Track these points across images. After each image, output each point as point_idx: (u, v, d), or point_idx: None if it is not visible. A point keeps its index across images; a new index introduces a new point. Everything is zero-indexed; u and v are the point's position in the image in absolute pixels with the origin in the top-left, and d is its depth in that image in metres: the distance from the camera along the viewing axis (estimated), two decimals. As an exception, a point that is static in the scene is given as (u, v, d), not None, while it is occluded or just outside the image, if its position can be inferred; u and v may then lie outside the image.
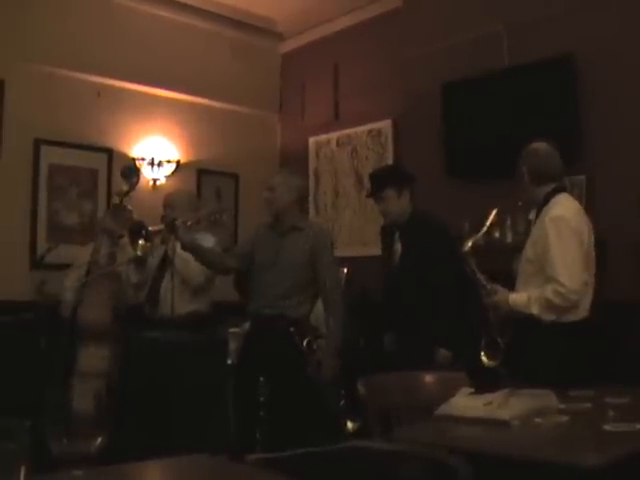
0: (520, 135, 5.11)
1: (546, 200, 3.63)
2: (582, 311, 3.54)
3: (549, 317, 3.44)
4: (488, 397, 2.55)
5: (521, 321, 3.47)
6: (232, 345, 5.21)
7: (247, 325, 4.60)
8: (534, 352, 3.40)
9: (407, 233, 4.33)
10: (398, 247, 4.33)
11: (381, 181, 4.42)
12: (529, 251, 3.62)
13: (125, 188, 4.79)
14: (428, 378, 3.12)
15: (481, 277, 3.53)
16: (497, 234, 5.17)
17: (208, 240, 4.73)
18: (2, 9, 6.08)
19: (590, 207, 4.31)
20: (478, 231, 3.57)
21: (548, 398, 2.59)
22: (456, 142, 5.74)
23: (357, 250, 6.72)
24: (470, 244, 3.50)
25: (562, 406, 2.56)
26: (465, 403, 2.59)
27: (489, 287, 3.52)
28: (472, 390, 2.70)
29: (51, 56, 6.31)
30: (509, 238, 5.21)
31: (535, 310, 3.44)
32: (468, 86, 5.68)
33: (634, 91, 4.87)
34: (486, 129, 5.46)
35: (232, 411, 4.62)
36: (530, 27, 5.35)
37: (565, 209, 3.60)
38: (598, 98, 4.99)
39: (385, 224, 4.58)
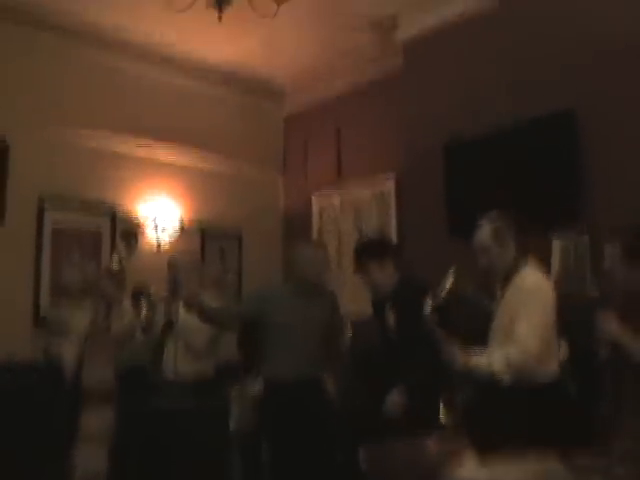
0: (522, 194, 5.21)
1: (516, 270, 3.64)
2: (550, 374, 3.53)
3: (508, 377, 3.39)
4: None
5: (483, 382, 3.47)
6: (235, 409, 5.16)
7: (256, 387, 4.59)
8: (495, 413, 3.39)
9: (396, 302, 4.29)
10: (390, 317, 4.30)
11: (363, 255, 4.44)
12: (501, 320, 3.63)
13: (124, 252, 4.78)
14: (431, 445, 3.06)
15: (440, 335, 3.57)
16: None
17: (212, 302, 4.72)
18: (5, 73, 6.18)
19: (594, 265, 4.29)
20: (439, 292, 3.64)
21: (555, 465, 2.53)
22: (458, 202, 5.74)
23: (361, 310, 6.65)
24: (430, 308, 3.59)
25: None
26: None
27: (447, 345, 3.56)
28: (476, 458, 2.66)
29: (55, 118, 6.40)
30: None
31: (498, 368, 3.40)
32: (469, 147, 5.70)
33: (637, 146, 4.86)
34: (488, 188, 5.45)
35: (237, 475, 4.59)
36: (530, 85, 5.38)
37: (540, 279, 3.63)
38: (599, 154, 4.98)
39: (374, 299, 4.55)
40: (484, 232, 3.75)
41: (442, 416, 3.61)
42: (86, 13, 6.33)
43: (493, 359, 3.45)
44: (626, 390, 3.39)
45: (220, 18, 4.10)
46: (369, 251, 4.44)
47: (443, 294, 3.64)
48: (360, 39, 6.64)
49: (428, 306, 3.61)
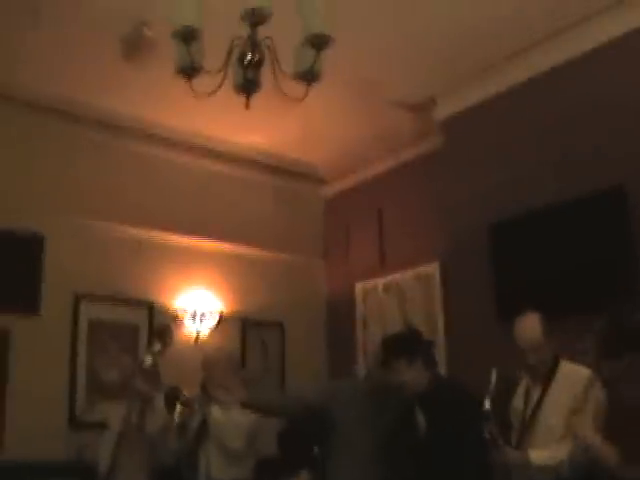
0: (573, 274, 4.94)
1: (557, 363, 3.62)
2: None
3: (572, 473, 3.22)
4: None
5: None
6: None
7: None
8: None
9: (428, 405, 3.97)
10: (421, 420, 3.98)
11: (391, 351, 4.13)
12: (553, 418, 3.50)
13: (157, 348, 4.59)
14: None
15: (499, 439, 3.47)
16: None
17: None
18: (40, 164, 6.19)
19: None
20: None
21: None
22: (506, 284, 5.46)
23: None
24: (487, 405, 3.49)
25: None
26: None
27: (503, 449, 3.46)
28: None
29: (90, 209, 6.34)
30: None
31: (560, 464, 3.26)
32: (516, 225, 5.45)
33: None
34: (537, 269, 5.19)
35: None
36: (577, 161, 5.17)
37: (588, 371, 3.47)
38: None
39: (404, 395, 4.23)
40: (534, 330, 3.67)
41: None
42: (118, 106, 6.36)
43: (559, 454, 3.25)
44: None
45: (247, 105, 3.95)
46: (398, 346, 4.13)
47: (490, 396, 3.52)
48: (398, 119, 6.50)
49: (487, 401, 3.49)
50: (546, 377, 3.62)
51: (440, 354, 6.36)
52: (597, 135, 5.10)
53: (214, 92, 3.95)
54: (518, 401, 3.78)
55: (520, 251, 5.41)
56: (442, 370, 6.34)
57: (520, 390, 3.82)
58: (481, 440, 3.48)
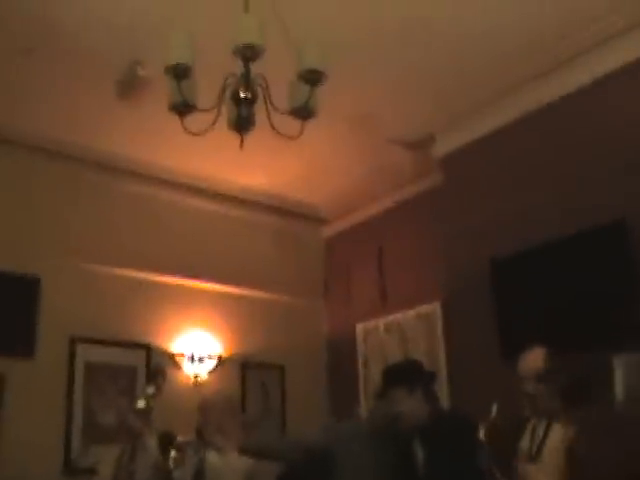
0: (577, 309, 4.85)
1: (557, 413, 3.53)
2: None
3: None
4: None
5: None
6: None
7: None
8: None
9: (427, 438, 3.84)
10: (419, 454, 3.86)
11: (390, 379, 4.03)
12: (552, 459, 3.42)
13: (151, 391, 4.48)
14: None
15: (496, 473, 3.42)
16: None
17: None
18: (36, 206, 6.16)
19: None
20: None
21: None
22: (509, 320, 5.36)
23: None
24: (482, 434, 3.47)
25: None
26: None
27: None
28: None
29: (87, 251, 6.30)
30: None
31: None
32: (517, 261, 5.36)
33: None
34: (541, 305, 5.10)
35: None
36: (577, 195, 5.10)
37: None
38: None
39: (401, 429, 4.10)
40: (537, 360, 3.64)
41: None
42: (115, 148, 6.34)
43: None
44: None
45: (242, 144, 3.91)
46: (397, 375, 4.03)
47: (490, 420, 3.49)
48: (397, 156, 6.47)
49: (482, 430, 3.47)
50: (552, 416, 3.54)
51: (443, 392, 6.26)
52: (598, 169, 5.04)
53: (207, 130, 3.93)
54: (525, 441, 3.67)
55: (522, 286, 5.32)
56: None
57: (527, 431, 3.71)
58: (480, 472, 3.41)
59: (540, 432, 3.54)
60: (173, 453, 4.01)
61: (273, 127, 3.87)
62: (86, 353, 6.19)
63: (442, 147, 6.23)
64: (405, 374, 4.01)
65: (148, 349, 6.51)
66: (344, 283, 7.60)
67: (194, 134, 3.90)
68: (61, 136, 6.10)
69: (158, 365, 6.02)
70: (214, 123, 3.80)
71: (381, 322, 7.17)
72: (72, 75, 5.28)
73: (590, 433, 3.30)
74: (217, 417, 4.46)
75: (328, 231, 8.01)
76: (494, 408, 3.52)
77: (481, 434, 3.43)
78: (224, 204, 7.25)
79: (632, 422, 3.52)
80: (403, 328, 6.91)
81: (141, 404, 4.41)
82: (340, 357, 7.51)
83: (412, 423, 3.86)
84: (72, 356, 6.13)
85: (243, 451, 4.18)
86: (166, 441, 4.00)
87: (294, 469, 4.93)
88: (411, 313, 6.84)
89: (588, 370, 3.64)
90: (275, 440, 4.45)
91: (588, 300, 4.85)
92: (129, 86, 5.34)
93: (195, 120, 3.84)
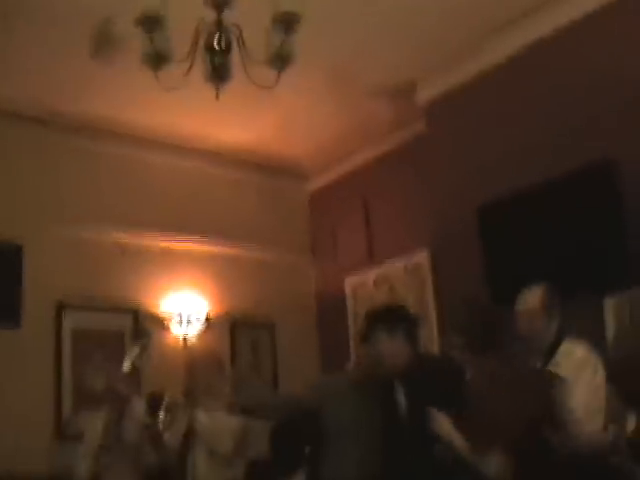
0: (566, 253, 4.79)
1: (559, 342, 3.46)
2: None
3: None
4: None
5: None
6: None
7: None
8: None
9: (409, 382, 3.75)
10: (401, 399, 3.81)
11: (372, 321, 3.93)
12: None
13: (136, 352, 4.42)
14: None
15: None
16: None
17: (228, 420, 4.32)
18: (16, 172, 6.04)
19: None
20: None
21: None
22: (498, 267, 5.32)
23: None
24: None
25: None
26: None
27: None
28: None
29: (69, 215, 6.20)
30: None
31: None
32: (504, 207, 5.30)
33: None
34: (529, 250, 5.04)
35: None
36: (566, 136, 5.00)
37: (587, 351, 3.41)
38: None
39: (379, 374, 3.99)
40: (533, 296, 3.55)
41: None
42: (94, 110, 6.20)
43: None
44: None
45: (217, 95, 3.82)
46: (378, 317, 3.94)
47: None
48: (378, 106, 6.33)
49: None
50: (547, 357, 3.46)
51: (433, 342, 6.25)
52: (584, 110, 4.94)
53: (183, 82, 3.85)
54: None
55: (511, 232, 5.26)
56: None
57: None
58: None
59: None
60: (162, 414, 3.96)
61: (249, 77, 3.79)
62: (73, 320, 6.13)
63: (424, 94, 6.12)
64: (386, 315, 3.93)
65: (136, 313, 6.45)
66: (331, 238, 7.53)
67: (170, 87, 3.83)
68: (38, 100, 5.96)
69: (144, 327, 5.99)
70: (188, 73, 3.73)
71: (370, 276, 7.10)
72: (46, 38, 5.15)
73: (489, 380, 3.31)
74: (205, 377, 4.41)
75: (312, 186, 7.92)
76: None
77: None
78: (206, 162, 7.14)
79: (524, 376, 3.49)
80: (392, 281, 6.86)
81: (127, 365, 4.36)
82: (330, 313, 7.46)
83: (393, 366, 3.79)
84: (59, 323, 6.08)
85: (234, 409, 4.13)
86: (155, 402, 3.95)
87: (287, 425, 4.89)
88: (399, 265, 6.77)
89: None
90: (266, 397, 4.39)
91: (575, 244, 4.80)
92: (103, 45, 5.20)
93: (171, 76, 3.76)
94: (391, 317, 3.88)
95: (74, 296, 6.11)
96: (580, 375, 3.25)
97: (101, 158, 6.52)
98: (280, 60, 3.73)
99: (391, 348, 3.75)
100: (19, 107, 5.99)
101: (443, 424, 3.33)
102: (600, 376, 3.31)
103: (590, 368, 3.31)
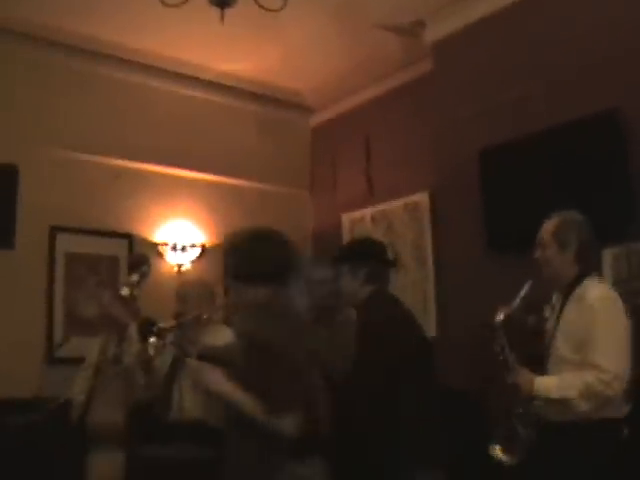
0: (567, 201, 4.72)
1: (578, 280, 3.31)
2: (623, 406, 3.14)
3: (586, 406, 3.05)
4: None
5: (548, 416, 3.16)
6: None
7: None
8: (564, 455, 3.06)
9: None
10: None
11: (337, 256, 3.87)
12: (564, 348, 3.24)
13: (135, 278, 4.37)
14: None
15: (509, 355, 3.27)
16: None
17: (226, 334, 4.25)
18: (14, 93, 5.90)
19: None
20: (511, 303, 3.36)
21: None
22: (497, 212, 5.27)
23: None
24: (502, 316, 3.32)
25: None
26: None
27: (513, 367, 3.25)
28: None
29: (66, 139, 6.09)
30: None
31: (572, 394, 3.05)
32: (507, 151, 5.21)
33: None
34: (530, 196, 4.97)
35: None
36: (570, 83, 4.90)
37: (608, 289, 3.30)
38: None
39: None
40: (545, 227, 3.48)
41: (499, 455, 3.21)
42: (96, 32, 6.02)
43: (567, 384, 3.09)
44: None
45: (222, 19, 3.72)
46: (344, 253, 3.89)
47: (515, 305, 3.35)
48: (385, 43, 6.18)
49: (500, 316, 3.33)
50: (566, 293, 3.34)
51: (429, 281, 6.24)
52: (591, 55, 4.81)
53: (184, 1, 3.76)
54: (550, 321, 3.48)
55: (512, 178, 5.18)
56: (430, 301, 6.22)
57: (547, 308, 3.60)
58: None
59: (557, 305, 3.41)
60: (153, 340, 3.93)
61: (257, 3, 3.68)
62: (66, 243, 6.07)
63: (432, 33, 5.96)
64: (351, 252, 3.87)
65: (130, 238, 6.41)
66: (330, 173, 7.44)
67: (172, 4, 3.73)
68: (36, 19, 5.77)
69: (143, 254, 5.93)
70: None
71: (367, 213, 7.04)
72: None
73: None
74: (195, 304, 4.38)
75: (314, 120, 7.79)
76: (526, 287, 3.37)
77: (500, 316, 3.32)
78: (207, 91, 7.00)
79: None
80: (390, 218, 6.80)
81: (125, 291, 4.31)
82: (325, 248, 7.39)
83: (349, 302, 3.74)
84: (52, 246, 6.02)
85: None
86: (146, 328, 3.91)
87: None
88: (398, 203, 6.70)
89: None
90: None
91: (577, 191, 4.73)
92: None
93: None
94: (354, 254, 3.79)
95: (68, 219, 6.05)
96: (601, 317, 3.15)
97: (100, 82, 6.36)
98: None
99: (348, 286, 3.69)
100: (16, 25, 5.82)
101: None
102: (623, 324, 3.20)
103: (611, 316, 3.19)
